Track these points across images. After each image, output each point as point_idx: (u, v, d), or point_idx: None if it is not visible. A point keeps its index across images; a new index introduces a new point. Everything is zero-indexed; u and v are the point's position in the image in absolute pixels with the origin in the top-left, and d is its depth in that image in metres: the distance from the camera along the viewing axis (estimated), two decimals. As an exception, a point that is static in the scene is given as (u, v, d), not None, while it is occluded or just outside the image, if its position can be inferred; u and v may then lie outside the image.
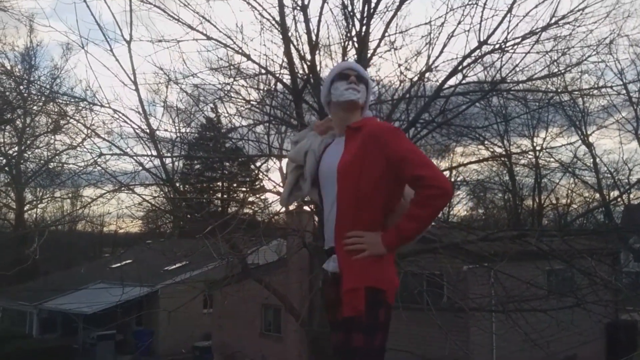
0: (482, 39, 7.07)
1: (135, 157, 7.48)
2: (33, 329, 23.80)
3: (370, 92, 2.63)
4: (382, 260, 2.28)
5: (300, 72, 7.80)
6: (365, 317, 2.18)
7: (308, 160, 2.53)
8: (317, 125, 2.66)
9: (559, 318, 7.46)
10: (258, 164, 10.13)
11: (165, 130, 10.71)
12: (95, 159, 7.17)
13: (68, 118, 8.73)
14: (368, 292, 2.20)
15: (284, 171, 2.76)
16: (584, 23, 7.01)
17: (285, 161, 2.70)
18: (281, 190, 8.95)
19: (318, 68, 7.68)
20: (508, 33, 6.99)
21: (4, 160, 28.56)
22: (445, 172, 12.26)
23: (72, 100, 8.94)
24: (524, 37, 7.02)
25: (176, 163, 9.15)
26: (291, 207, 7.93)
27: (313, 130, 2.64)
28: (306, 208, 8.00)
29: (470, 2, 7.02)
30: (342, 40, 7.84)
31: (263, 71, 7.91)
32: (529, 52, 7.15)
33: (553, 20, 6.92)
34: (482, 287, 8.40)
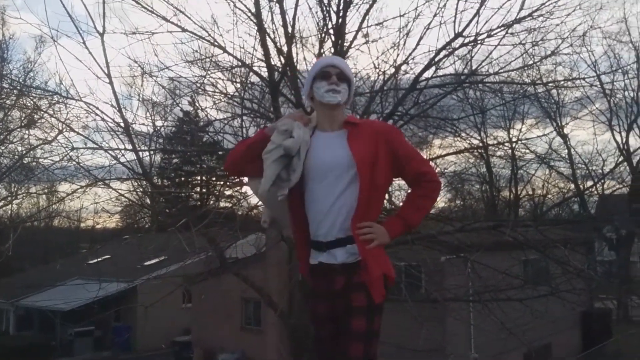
0: (457, 32, 7.11)
1: (109, 151, 7.38)
2: (9, 326, 23.51)
3: (353, 88, 2.66)
4: (384, 250, 2.53)
5: (277, 64, 7.77)
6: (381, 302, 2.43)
7: (302, 152, 2.48)
8: (299, 117, 2.61)
9: (534, 307, 7.57)
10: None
11: (142, 124, 10.60)
12: (69, 153, 7.06)
13: (42, 112, 8.59)
14: (383, 279, 2.44)
15: (265, 160, 2.53)
16: (557, 15, 7.10)
17: (269, 149, 2.53)
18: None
19: (295, 60, 7.66)
20: (482, 25, 7.04)
21: (-23, 156, 28.03)
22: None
23: (46, 94, 8.80)
24: (492, 30, 7.05)
25: (154, 157, 9.06)
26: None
27: (296, 121, 2.56)
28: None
29: (445, -6, 7.04)
30: (318, 33, 7.83)
31: (239, 64, 7.86)
32: (499, 44, 7.20)
33: (526, 13, 6.99)
34: (458, 278, 8.48)
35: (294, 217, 2.60)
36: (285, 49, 7.56)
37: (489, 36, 7.08)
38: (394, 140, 2.51)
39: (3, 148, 27.65)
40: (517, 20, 6.95)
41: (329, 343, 2.48)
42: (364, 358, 2.33)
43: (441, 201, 31.14)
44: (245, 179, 3.01)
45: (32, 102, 9.07)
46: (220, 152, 12.46)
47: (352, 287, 2.39)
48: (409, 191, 2.62)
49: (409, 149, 2.57)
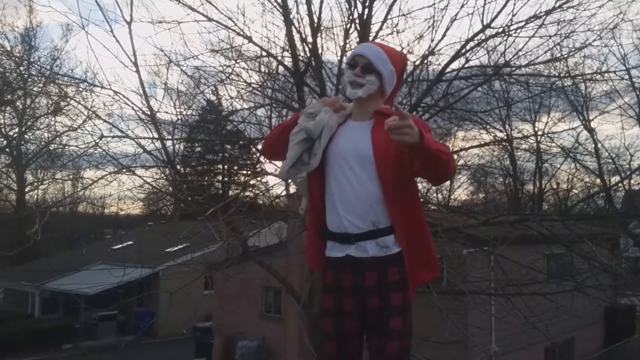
0: (485, 23, 7.03)
1: (136, 140, 7.47)
2: (35, 309, 24.00)
3: (387, 78, 2.45)
4: (430, 242, 2.49)
5: (302, 55, 7.77)
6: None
7: (324, 136, 2.42)
8: (331, 102, 2.51)
9: (558, 302, 7.50)
10: (259, 147, 10.08)
11: (166, 112, 10.67)
12: (97, 141, 7.15)
13: (68, 99, 8.71)
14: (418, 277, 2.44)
15: (290, 141, 2.46)
16: (587, 7, 6.97)
17: (294, 131, 2.46)
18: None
19: (320, 51, 7.65)
20: (512, 16, 6.95)
21: (5, 142, 28.58)
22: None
23: (73, 81, 8.93)
24: (527, 21, 6.97)
25: (177, 145, 9.12)
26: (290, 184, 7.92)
27: (326, 106, 2.48)
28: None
29: (474, -15, 6.97)
30: (344, 23, 7.80)
31: (264, 54, 7.88)
32: (533, 36, 7.11)
33: (557, 4, 6.87)
34: (482, 271, 8.43)
35: (311, 204, 2.52)
36: (310, 39, 7.56)
37: (519, 28, 6.99)
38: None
39: (30, 134, 28.16)
40: (548, 12, 6.84)
41: (351, 340, 2.39)
42: (401, 356, 2.30)
43: (464, 194, 31.08)
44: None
45: (58, 89, 9.18)
46: (242, 142, 12.52)
47: (388, 284, 2.32)
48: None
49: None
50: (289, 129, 2.50)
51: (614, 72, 8.23)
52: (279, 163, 2.74)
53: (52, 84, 9.88)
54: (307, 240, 2.60)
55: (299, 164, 2.43)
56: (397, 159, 2.31)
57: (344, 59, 7.85)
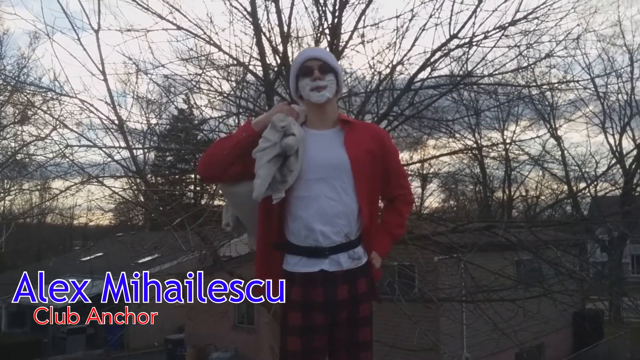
0: (452, 33, 7.13)
1: (103, 149, 7.37)
2: (1, 323, 23.42)
3: (341, 77, 2.47)
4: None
5: (272, 63, 7.78)
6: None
7: (301, 151, 2.28)
8: (289, 111, 2.37)
9: (526, 308, 7.60)
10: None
11: (136, 121, 10.52)
12: (62, 150, 7.04)
13: (35, 109, 8.56)
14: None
15: (258, 159, 2.25)
16: (551, 18, 7.14)
17: (263, 146, 2.25)
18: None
19: (290, 59, 7.67)
20: (477, 27, 7.07)
21: (-30, 152, 27.87)
22: (417, 165, 12.39)
23: (40, 90, 8.77)
24: (486, 34, 7.08)
25: (148, 155, 9.03)
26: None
27: (290, 117, 2.33)
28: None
29: (441, -5, 7.06)
30: (314, 32, 7.84)
31: (234, 62, 7.87)
32: (495, 46, 7.24)
33: (521, 15, 7.02)
34: (452, 278, 8.50)
35: (266, 218, 2.37)
36: (280, 48, 7.58)
37: (484, 38, 7.11)
38: (389, 148, 2.47)
39: (-4, 144, 27.56)
40: (513, 23, 6.98)
41: (318, 355, 2.32)
42: None
43: (435, 201, 31.38)
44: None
45: (25, 98, 9.03)
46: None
47: (358, 296, 2.32)
48: (385, 211, 2.62)
49: (398, 162, 2.59)
50: (244, 144, 2.31)
51: (578, 81, 8.43)
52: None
53: (18, 93, 9.70)
54: (256, 256, 2.43)
55: (273, 183, 2.25)
56: (372, 169, 2.36)
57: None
